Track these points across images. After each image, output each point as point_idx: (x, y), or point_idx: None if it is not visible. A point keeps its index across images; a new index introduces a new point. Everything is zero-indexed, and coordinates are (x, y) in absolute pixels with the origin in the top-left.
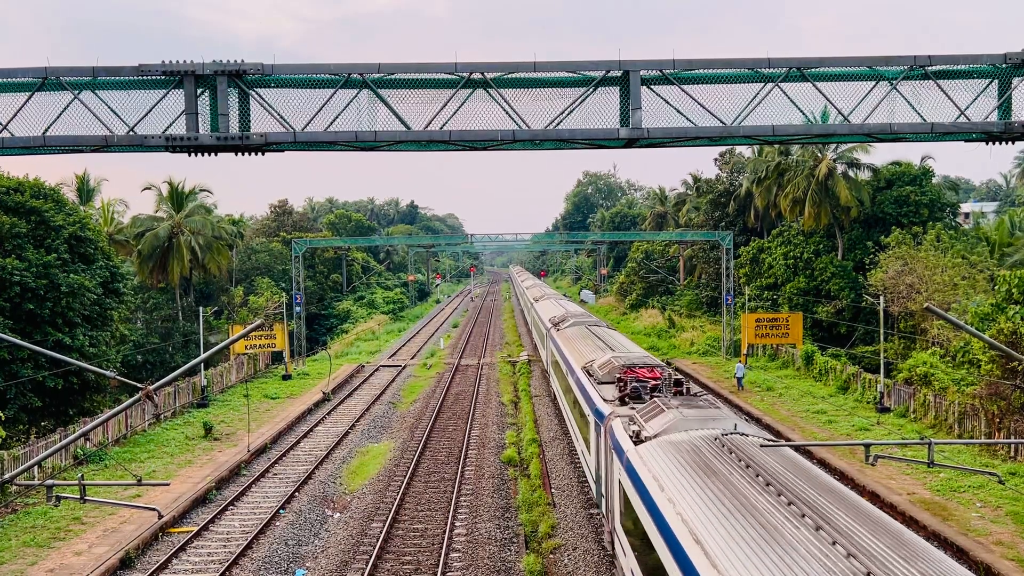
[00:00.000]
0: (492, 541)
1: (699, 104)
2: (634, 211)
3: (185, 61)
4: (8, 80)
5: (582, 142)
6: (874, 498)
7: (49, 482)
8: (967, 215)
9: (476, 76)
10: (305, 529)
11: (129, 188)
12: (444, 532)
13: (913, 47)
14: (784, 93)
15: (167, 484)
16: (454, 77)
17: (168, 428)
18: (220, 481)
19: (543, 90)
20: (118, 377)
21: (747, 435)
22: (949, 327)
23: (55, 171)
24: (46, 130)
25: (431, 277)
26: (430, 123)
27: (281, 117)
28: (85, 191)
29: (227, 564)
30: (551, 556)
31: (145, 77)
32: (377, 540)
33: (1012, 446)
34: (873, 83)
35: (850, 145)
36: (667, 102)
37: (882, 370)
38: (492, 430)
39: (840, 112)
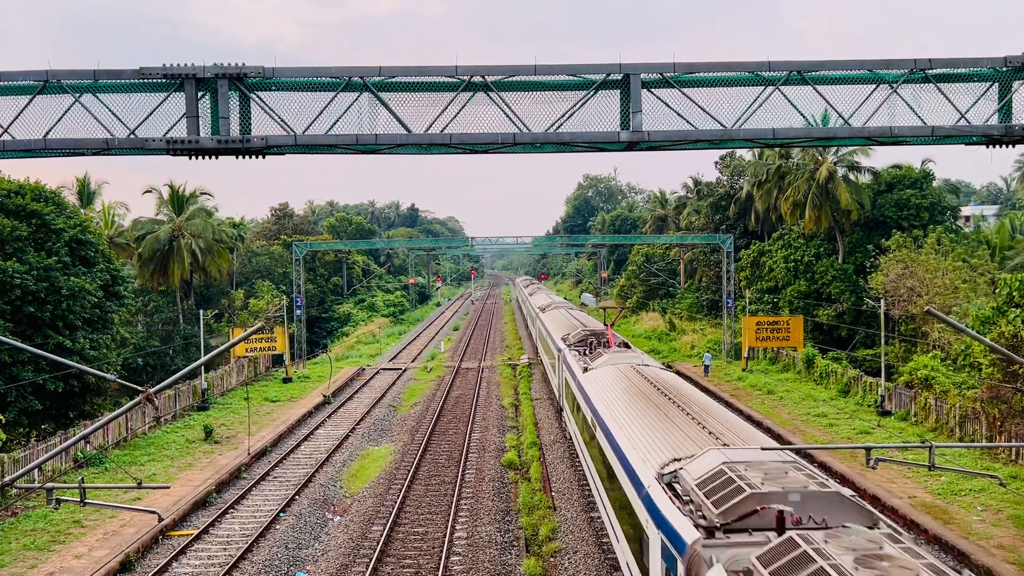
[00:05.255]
0: (493, 544)
1: (699, 107)
2: (635, 214)
3: (186, 64)
4: (9, 83)
5: (583, 145)
6: (875, 501)
7: (49, 485)
8: (968, 218)
9: (477, 79)
10: (305, 532)
11: (130, 191)
12: (445, 535)
13: (913, 48)
14: (784, 96)
15: (167, 487)
16: (455, 80)
17: (168, 431)
18: (220, 484)
19: (544, 93)
20: (118, 380)
21: (648, 364)
22: (950, 330)
23: (56, 174)
24: (47, 133)
25: (432, 280)
26: (431, 126)
27: (282, 120)
28: (86, 194)
29: (227, 567)
30: (552, 560)
31: (146, 80)
32: (377, 543)
33: (1013, 449)
34: (873, 86)
35: (851, 148)
36: (668, 105)
37: (883, 373)
38: (492, 433)
39: (840, 115)
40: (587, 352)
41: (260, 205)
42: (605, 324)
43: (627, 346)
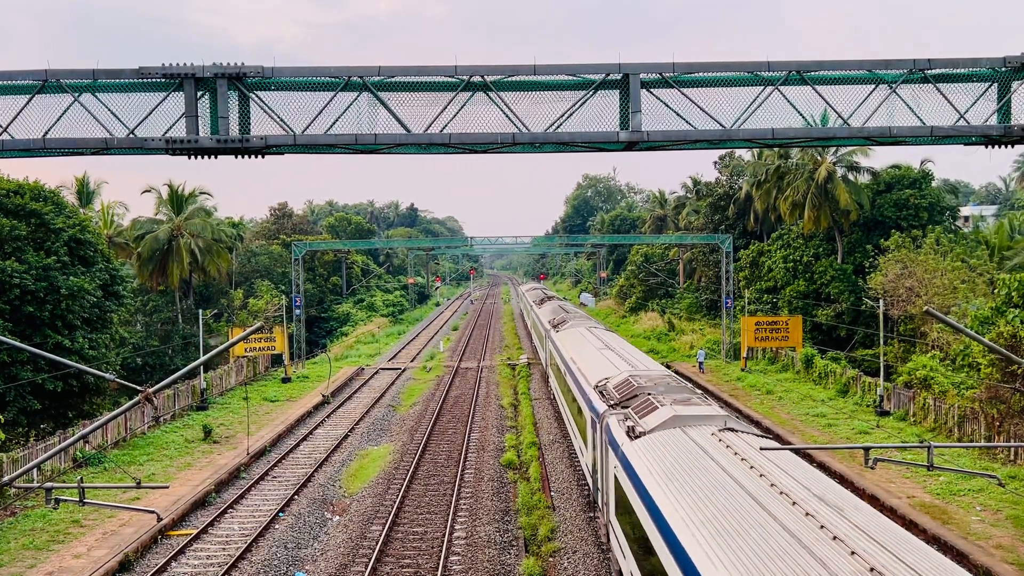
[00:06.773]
0: (492, 544)
1: (699, 107)
2: (634, 214)
3: (185, 64)
4: (8, 83)
5: (582, 145)
6: (874, 501)
7: (48, 485)
8: (966, 218)
9: (476, 79)
10: (304, 532)
11: (129, 191)
12: (444, 535)
13: (913, 48)
14: (784, 96)
15: (166, 487)
16: (454, 80)
17: (167, 431)
18: (219, 484)
19: (543, 93)
20: (117, 380)
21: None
22: (949, 330)
23: (55, 174)
24: (46, 132)
25: (431, 280)
26: (430, 126)
27: (281, 120)
28: (85, 194)
29: (226, 567)
30: (551, 559)
31: (145, 80)
32: (376, 543)
33: (1012, 449)
34: (873, 86)
35: (850, 148)
36: (667, 105)
37: (882, 373)
38: (492, 433)
39: (840, 115)
40: None
41: (259, 205)
42: None
43: None
